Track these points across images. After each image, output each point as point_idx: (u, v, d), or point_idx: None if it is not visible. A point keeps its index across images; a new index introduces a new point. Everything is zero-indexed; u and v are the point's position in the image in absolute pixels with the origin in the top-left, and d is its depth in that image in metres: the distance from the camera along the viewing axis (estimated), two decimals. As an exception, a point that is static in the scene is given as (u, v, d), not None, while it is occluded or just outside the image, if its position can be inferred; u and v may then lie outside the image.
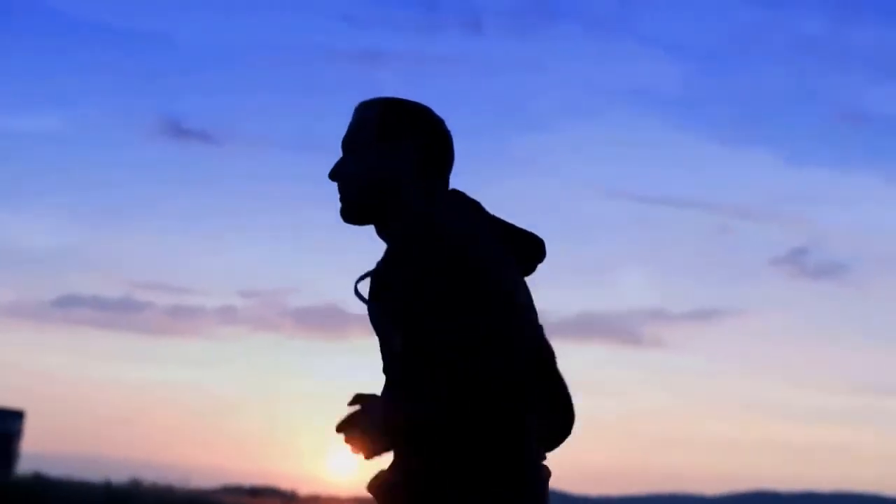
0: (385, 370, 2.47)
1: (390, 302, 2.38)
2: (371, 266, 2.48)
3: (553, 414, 2.46)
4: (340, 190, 2.57)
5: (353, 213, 2.55)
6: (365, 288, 2.49)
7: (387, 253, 2.46)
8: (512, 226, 2.52)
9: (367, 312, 2.49)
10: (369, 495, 2.42)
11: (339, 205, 2.57)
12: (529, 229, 2.55)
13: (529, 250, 2.53)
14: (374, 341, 2.47)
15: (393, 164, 2.52)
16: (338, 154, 2.60)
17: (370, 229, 2.57)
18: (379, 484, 2.40)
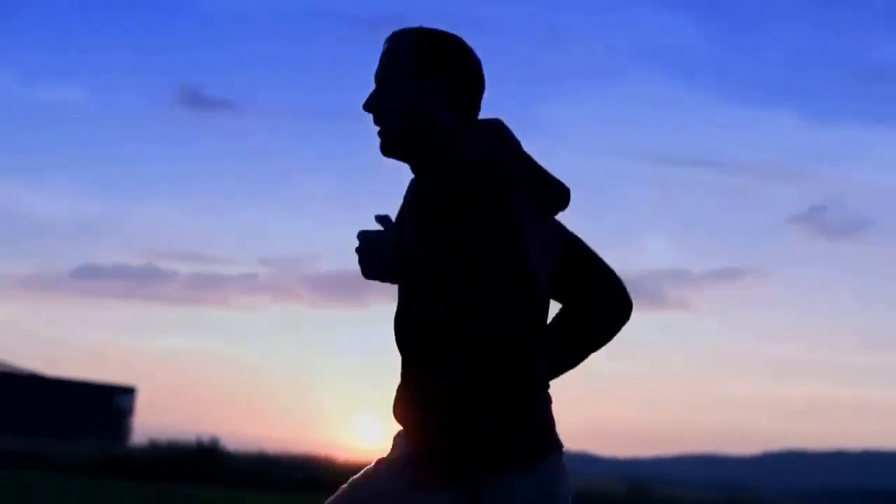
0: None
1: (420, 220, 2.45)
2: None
3: (601, 303, 2.55)
4: (378, 122, 2.59)
5: (395, 144, 2.57)
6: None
7: (418, 183, 2.53)
8: (541, 168, 2.53)
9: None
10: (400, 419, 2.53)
11: (377, 138, 2.58)
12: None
13: (553, 195, 2.53)
14: (394, 306, 2.52)
15: (431, 96, 2.55)
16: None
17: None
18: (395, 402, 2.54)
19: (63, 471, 21.33)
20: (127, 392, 37.49)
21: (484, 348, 2.39)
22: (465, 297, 2.33)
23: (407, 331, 2.50)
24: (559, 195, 2.53)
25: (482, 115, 2.59)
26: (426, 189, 2.51)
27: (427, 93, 2.54)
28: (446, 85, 2.54)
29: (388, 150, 2.57)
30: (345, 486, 2.55)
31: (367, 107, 2.59)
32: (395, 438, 2.58)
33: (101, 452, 23.42)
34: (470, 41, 2.57)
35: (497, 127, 2.55)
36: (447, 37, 2.58)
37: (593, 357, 2.59)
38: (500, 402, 2.40)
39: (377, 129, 2.58)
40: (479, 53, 2.57)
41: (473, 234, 2.36)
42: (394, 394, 2.56)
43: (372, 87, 2.60)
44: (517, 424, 2.42)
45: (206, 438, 23.91)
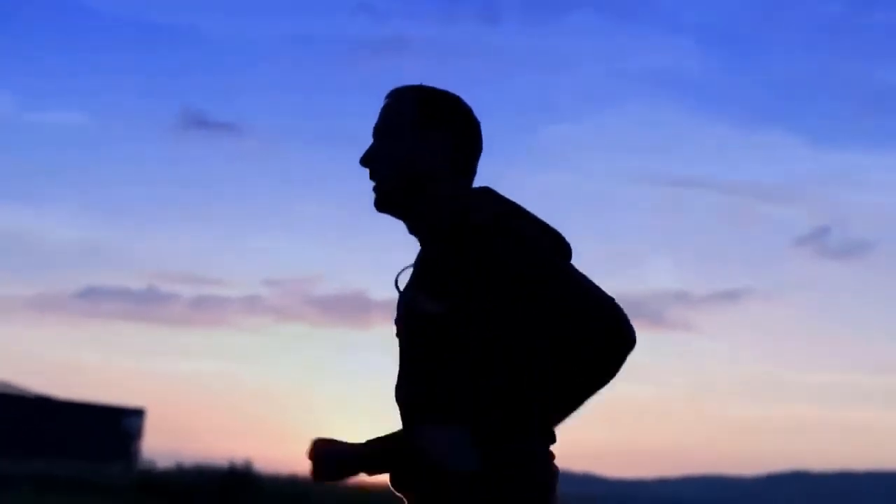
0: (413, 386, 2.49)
1: (447, 296, 2.41)
2: (402, 258, 2.54)
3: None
4: (374, 177, 2.57)
5: (391, 199, 2.56)
6: (403, 281, 2.56)
7: (433, 250, 2.50)
8: (546, 224, 2.52)
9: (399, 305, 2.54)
10: (396, 482, 2.48)
11: (371, 193, 2.57)
12: (556, 216, 2.54)
13: (559, 245, 2.52)
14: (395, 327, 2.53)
15: (429, 154, 2.54)
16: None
17: (394, 220, 2.59)
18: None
19: (91, 493, 21.28)
20: (136, 414, 37.46)
21: (483, 354, 2.38)
22: (466, 306, 2.36)
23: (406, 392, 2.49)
24: (564, 247, 2.52)
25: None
26: (430, 254, 2.50)
27: (425, 149, 2.53)
28: (445, 142, 2.54)
29: (383, 205, 2.56)
30: None
31: (365, 161, 2.57)
32: None
33: (129, 475, 23.37)
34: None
35: (489, 189, 2.55)
36: (447, 95, 2.59)
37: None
38: (499, 406, 2.37)
39: (372, 183, 2.57)
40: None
41: (474, 266, 2.38)
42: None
43: (370, 141, 2.60)
44: (516, 428, 2.38)
45: (238, 462, 23.85)
